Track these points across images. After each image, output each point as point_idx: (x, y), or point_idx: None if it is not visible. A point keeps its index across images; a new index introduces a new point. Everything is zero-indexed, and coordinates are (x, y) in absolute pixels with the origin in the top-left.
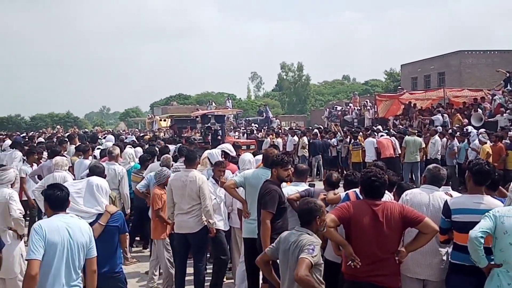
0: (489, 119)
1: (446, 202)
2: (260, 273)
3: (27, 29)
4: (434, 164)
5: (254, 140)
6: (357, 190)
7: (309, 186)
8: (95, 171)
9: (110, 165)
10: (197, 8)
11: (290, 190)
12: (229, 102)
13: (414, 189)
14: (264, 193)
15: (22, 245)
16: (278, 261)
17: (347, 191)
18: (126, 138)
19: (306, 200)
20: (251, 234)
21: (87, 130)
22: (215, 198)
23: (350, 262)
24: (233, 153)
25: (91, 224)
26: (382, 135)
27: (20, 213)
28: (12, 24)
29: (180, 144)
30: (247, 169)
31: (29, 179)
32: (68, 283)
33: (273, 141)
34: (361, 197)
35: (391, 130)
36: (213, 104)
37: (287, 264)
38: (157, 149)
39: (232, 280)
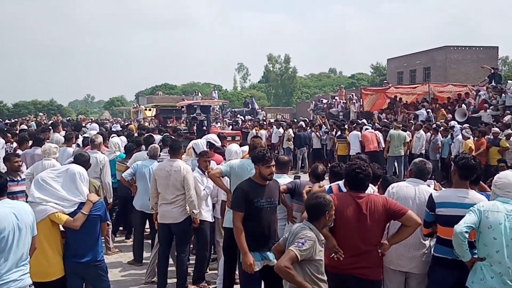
0: (472, 115)
1: (430, 195)
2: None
3: (12, 15)
4: (420, 158)
5: (239, 132)
6: (340, 182)
7: (294, 178)
8: (80, 159)
9: (92, 154)
10: None
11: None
12: (215, 93)
13: (400, 182)
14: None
15: None
16: None
17: (330, 184)
18: (111, 127)
19: (315, 195)
20: (231, 224)
21: (70, 118)
22: (204, 189)
23: (333, 254)
24: (218, 144)
25: (73, 213)
26: (367, 129)
27: None
28: None
29: (166, 134)
30: (234, 159)
31: None
32: (17, 265)
33: (257, 133)
34: (344, 189)
35: (375, 124)
36: (199, 94)
37: None
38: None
39: (216, 271)
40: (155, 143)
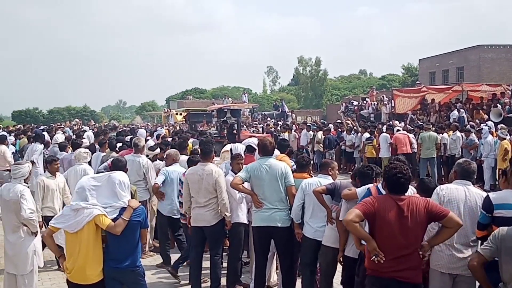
0: (508, 115)
1: (487, 196)
2: (272, 264)
3: (45, 22)
4: (464, 158)
5: (269, 135)
6: (379, 184)
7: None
8: (117, 165)
9: (136, 157)
10: (214, 3)
11: (312, 181)
12: (245, 96)
13: (449, 184)
14: None
15: (37, 241)
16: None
17: (368, 186)
18: (156, 130)
19: None
20: (263, 222)
21: (106, 123)
22: (239, 192)
23: (373, 257)
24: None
25: (114, 219)
26: (398, 130)
27: (31, 212)
28: (30, 17)
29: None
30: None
31: None
32: None
33: (280, 135)
34: (383, 191)
35: (407, 125)
36: (229, 98)
37: None
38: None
39: (249, 275)
40: (187, 148)
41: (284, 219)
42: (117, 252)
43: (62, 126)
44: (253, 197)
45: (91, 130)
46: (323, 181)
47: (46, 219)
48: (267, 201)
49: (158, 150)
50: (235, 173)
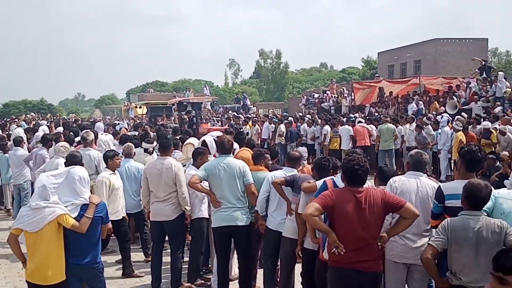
0: (463, 107)
1: (439, 187)
2: (232, 261)
3: None
4: (416, 150)
5: (230, 127)
6: (335, 177)
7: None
8: (73, 160)
9: (85, 151)
10: None
11: (279, 174)
12: (206, 89)
13: (401, 175)
14: None
15: None
16: None
17: (324, 179)
18: (117, 124)
19: None
20: (223, 222)
21: (64, 117)
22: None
23: (334, 249)
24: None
25: (77, 217)
26: (360, 122)
27: None
28: None
29: (160, 132)
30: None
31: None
32: None
33: (242, 128)
34: (339, 184)
35: (366, 117)
36: (191, 91)
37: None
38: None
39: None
40: (152, 142)
41: (244, 218)
42: (78, 249)
43: (17, 120)
44: (211, 197)
45: (48, 123)
46: (289, 174)
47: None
48: (226, 200)
49: (155, 143)
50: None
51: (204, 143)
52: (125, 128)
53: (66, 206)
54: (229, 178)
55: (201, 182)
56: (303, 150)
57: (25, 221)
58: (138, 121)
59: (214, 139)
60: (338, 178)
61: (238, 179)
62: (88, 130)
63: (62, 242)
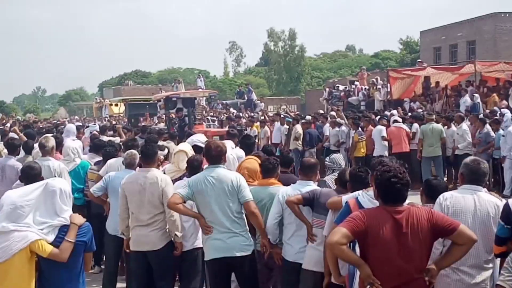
0: None
1: (507, 204)
2: None
3: None
4: (472, 157)
5: (232, 130)
6: (360, 195)
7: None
8: (29, 173)
9: (43, 161)
10: None
11: (291, 191)
12: (200, 80)
13: (454, 191)
14: None
15: None
16: None
17: (345, 198)
18: (87, 126)
19: None
20: (217, 253)
21: (18, 117)
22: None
23: (368, 286)
24: None
25: (55, 241)
26: (395, 121)
27: None
28: None
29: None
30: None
31: None
32: None
33: (246, 130)
34: (365, 205)
35: (406, 116)
36: (180, 83)
37: None
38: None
39: None
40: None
41: (243, 246)
42: (55, 284)
43: None
44: (200, 221)
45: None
46: (304, 188)
47: None
48: (218, 224)
49: (166, 150)
50: None
51: (198, 149)
52: (96, 132)
53: (41, 229)
54: (219, 195)
55: (184, 202)
56: (339, 157)
57: None
58: (106, 122)
59: (196, 145)
60: (363, 197)
61: (230, 196)
62: (48, 135)
63: (34, 274)
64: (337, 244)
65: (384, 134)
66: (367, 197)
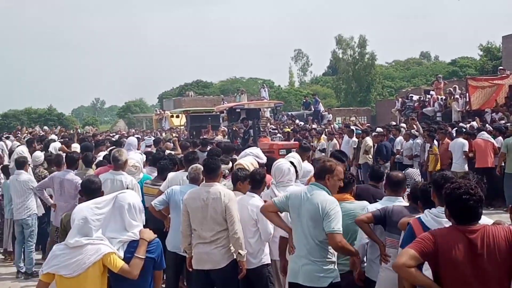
0: None
1: None
2: None
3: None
4: None
5: (297, 143)
6: (424, 215)
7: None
8: (89, 187)
9: (116, 175)
10: None
11: (381, 206)
12: (264, 91)
13: None
14: None
15: None
16: None
17: (409, 220)
18: (143, 140)
19: None
20: (290, 278)
21: (78, 130)
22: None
23: None
24: (263, 161)
25: (124, 257)
26: (481, 132)
27: None
28: None
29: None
30: (287, 181)
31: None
32: None
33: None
34: (429, 225)
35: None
36: (244, 94)
37: None
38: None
39: None
40: (197, 162)
41: (316, 276)
42: None
43: (19, 134)
44: (289, 236)
45: (59, 138)
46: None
47: None
48: (297, 248)
49: (230, 164)
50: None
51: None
52: (149, 146)
53: (112, 244)
54: (309, 217)
55: (278, 211)
56: (414, 172)
57: (60, 262)
58: (174, 135)
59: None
60: (427, 216)
61: (312, 221)
62: (121, 149)
63: None
64: (404, 266)
65: (466, 148)
66: (430, 216)
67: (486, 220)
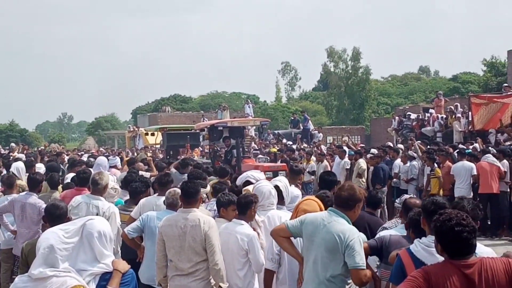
0: None
1: None
2: None
3: None
4: None
5: (284, 165)
6: (412, 245)
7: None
8: (54, 213)
9: (93, 200)
10: None
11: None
12: (248, 107)
13: None
14: None
15: None
16: None
17: (398, 252)
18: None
19: None
20: None
21: (42, 147)
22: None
23: None
24: None
25: None
26: (486, 154)
27: None
28: None
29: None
30: (268, 205)
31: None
32: None
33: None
34: (418, 255)
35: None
36: (225, 109)
37: None
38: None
39: None
40: (173, 186)
41: None
42: None
43: None
44: (300, 266)
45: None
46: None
47: None
48: (307, 279)
49: (208, 188)
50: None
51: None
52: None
53: (82, 277)
54: (320, 246)
55: (291, 236)
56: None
57: None
58: (148, 154)
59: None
60: (417, 246)
61: (328, 253)
62: (103, 171)
63: None
64: None
65: (475, 172)
66: (421, 246)
67: (491, 252)
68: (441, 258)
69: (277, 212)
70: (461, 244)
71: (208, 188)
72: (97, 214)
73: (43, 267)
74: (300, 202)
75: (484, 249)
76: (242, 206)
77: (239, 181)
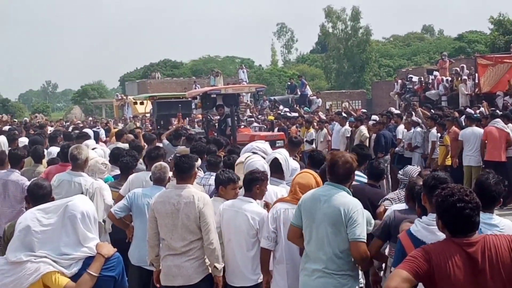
0: None
1: None
2: None
3: None
4: None
5: (282, 134)
6: (414, 225)
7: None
8: (36, 193)
9: (74, 176)
10: None
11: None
12: (243, 72)
13: None
14: None
15: None
16: None
17: (398, 236)
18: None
19: None
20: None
21: (26, 119)
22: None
23: None
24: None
25: (76, 275)
26: (495, 119)
27: None
28: None
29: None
30: None
31: None
32: None
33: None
34: (418, 235)
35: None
36: (219, 75)
37: None
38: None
39: None
40: (162, 159)
41: None
42: None
43: None
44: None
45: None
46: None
47: None
48: (313, 259)
49: (199, 161)
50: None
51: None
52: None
53: (61, 261)
54: (323, 222)
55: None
56: (413, 169)
57: None
58: (137, 124)
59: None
60: (417, 225)
61: (333, 227)
62: (80, 145)
63: None
64: None
65: (485, 138)
66: (421, 225)
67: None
68: (443, 236)
69: (273, 188)
70: (463, 221)
71: (199, 161)
72: (81, 193)
73: (20, 251)
74: (296, 175)
75: (506, 222)
76: (246, 182)
77: (243, 153)
